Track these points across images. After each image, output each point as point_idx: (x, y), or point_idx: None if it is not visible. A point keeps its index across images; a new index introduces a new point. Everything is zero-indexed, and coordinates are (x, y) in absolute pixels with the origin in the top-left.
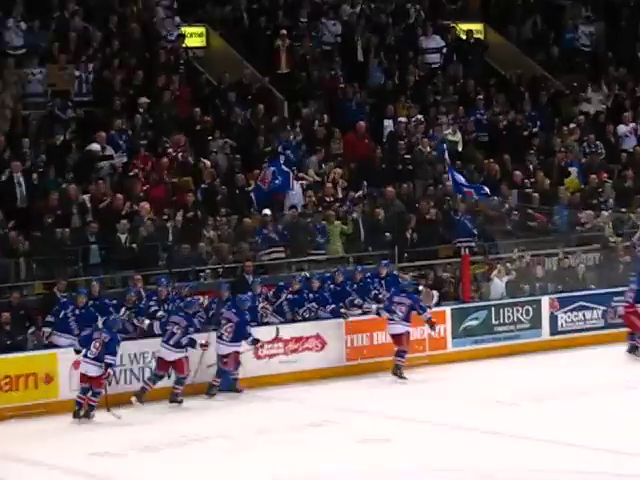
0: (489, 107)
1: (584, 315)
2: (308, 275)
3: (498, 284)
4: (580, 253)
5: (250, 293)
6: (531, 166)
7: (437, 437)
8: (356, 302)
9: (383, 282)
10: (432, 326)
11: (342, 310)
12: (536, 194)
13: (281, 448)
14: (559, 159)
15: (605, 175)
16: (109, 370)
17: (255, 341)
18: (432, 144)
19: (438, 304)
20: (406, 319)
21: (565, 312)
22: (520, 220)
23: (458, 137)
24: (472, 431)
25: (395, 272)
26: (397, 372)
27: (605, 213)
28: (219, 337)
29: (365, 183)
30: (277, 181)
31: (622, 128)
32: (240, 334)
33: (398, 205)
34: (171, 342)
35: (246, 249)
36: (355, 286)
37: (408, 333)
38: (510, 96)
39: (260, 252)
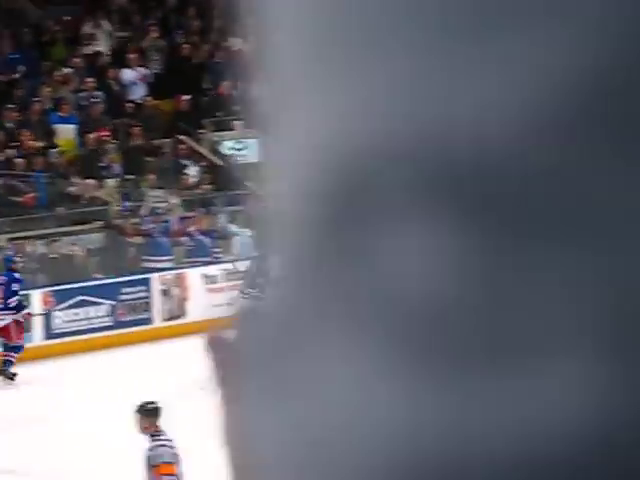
0: None
1: (87, 312)
2: None
3: None
4: (77, 234)
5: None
6: (11, 124)
7: None
8: None
9: None
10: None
11: None
12: (21, 159)
13: None
14: (38, 112)
15: (106, 133)
16: None
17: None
18: None
19: None
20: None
21: (62, 310)
22: (2, 194)
23: None
24: None
25: None
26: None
27: (110, 182)
28: None
29: None
30: None
31: (128, 74)
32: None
33: None
34: None
35: None
36: None
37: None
38: None
39: None
